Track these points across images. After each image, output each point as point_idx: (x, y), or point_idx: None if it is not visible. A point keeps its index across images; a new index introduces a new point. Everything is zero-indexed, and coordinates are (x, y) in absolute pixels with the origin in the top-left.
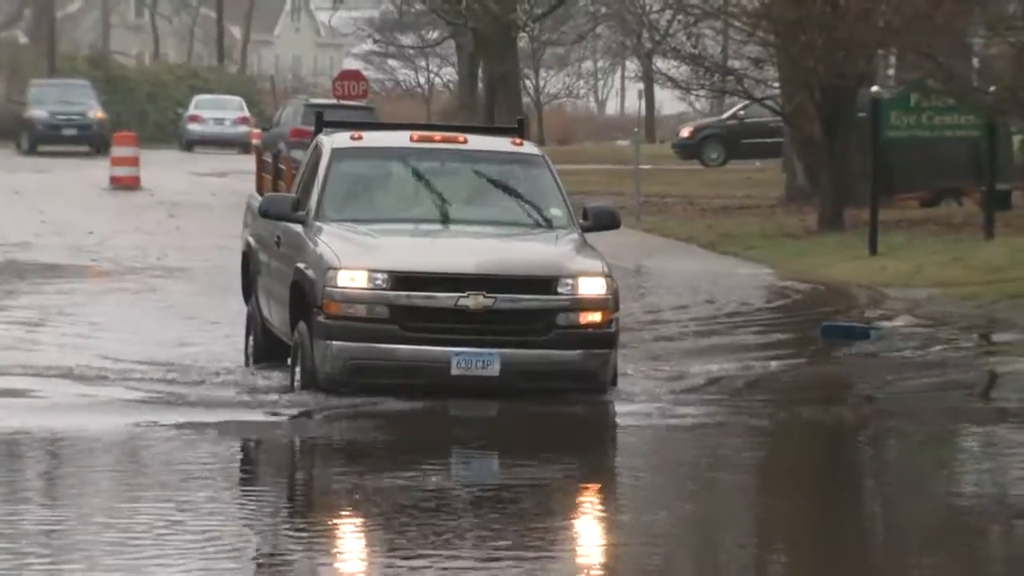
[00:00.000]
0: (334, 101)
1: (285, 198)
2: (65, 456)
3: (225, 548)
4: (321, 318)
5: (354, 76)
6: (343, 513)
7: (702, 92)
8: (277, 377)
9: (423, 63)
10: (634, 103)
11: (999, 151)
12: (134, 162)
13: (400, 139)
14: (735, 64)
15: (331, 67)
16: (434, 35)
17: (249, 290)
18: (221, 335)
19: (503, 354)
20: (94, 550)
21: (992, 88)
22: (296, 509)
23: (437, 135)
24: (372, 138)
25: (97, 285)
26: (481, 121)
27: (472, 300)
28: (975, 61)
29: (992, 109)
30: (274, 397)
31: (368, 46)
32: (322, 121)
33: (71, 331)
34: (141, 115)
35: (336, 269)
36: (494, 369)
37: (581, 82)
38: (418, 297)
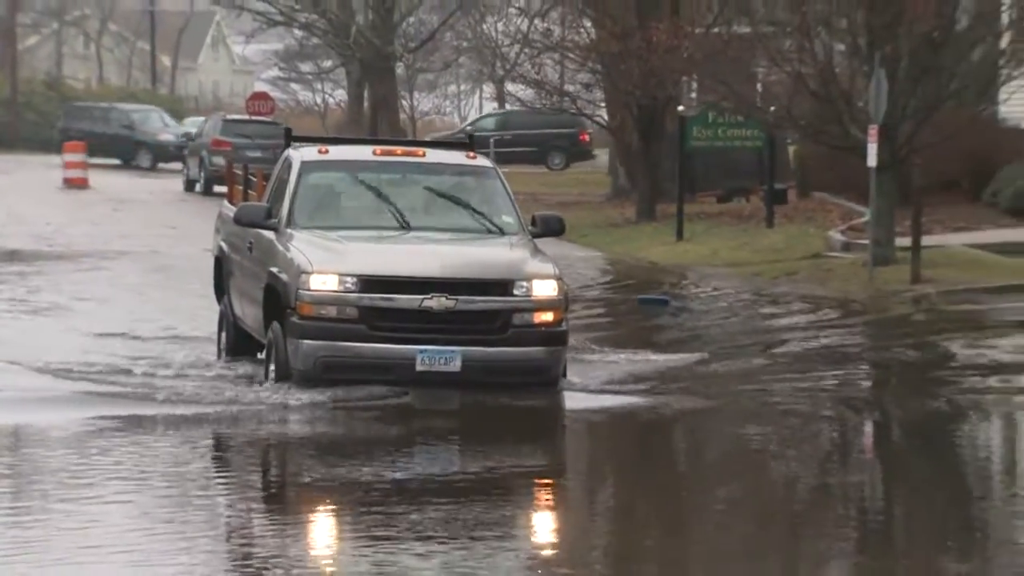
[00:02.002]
0: (247, 117)
1: (258, 207)
2: (46, 450)
3: (196, 537)
4: (294, 318)
5: (263, 97)
6: (314, 501)
7: (544, 110)
8: (249, 370)
9: (319, 86)
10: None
11: (777, 157)
12: (83, 166)
13: (364, 153)
14: (570, 88)
15: (244, 89)
16: (328, 64)
17: (221, 290)
18: (167, 311)
19: (464, 351)
20: (60, 543)
21: (772, 108)
22: (270, 498)
23: (398, 149)
24: (338, 152)
25: (55, 266)
26: (366, 133)
27: (435, 301)
28: (759, 86)
29: (772, 124)
30: (247, 389)
31: (274, 72)
32: (290, 136)
33: (35, 312)
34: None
35: (308, 273)
36: (456, 365)
37: (447, 102)
38: (385, 299)
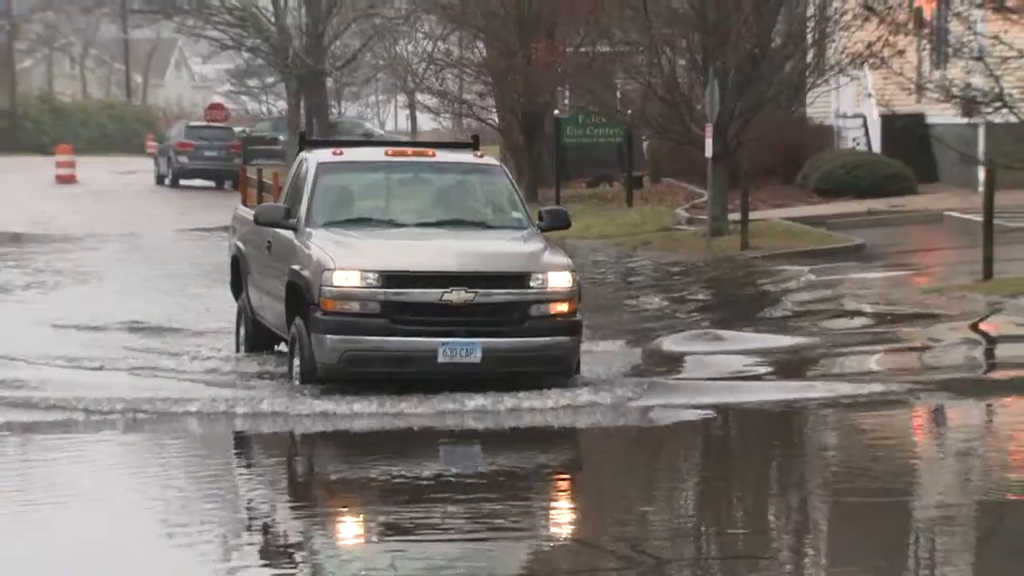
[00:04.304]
0: (205, 123)
1: (277, 207)
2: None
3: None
4: (318, 314)
5: (219, 107)
6: (337, 499)
7: (447, 115)
8: (270, 364)
9: (264, 97)
10: (404, 123)
11: (634, 150)
12: (72, 165)
13: (376, 154)
14: (467, 97)
15: (203, 101)
16: (271, 79)
17: (239, 288)
18: (161, 293)
19: (484, 343)
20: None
21: (629, 111)
22: (295, 494)
23: (409, 150)
24: (352, 153)
25: (54, 246)
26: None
27: (455, 295)
28: (618, 94)
29: (629, 124)
30: (276, 385)
31: (227, 87)
32: (304, 140)
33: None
34: (75, 134)
35: (331, 270)
36: (476, 357)
37: (368, 110)
38: (406, 293)
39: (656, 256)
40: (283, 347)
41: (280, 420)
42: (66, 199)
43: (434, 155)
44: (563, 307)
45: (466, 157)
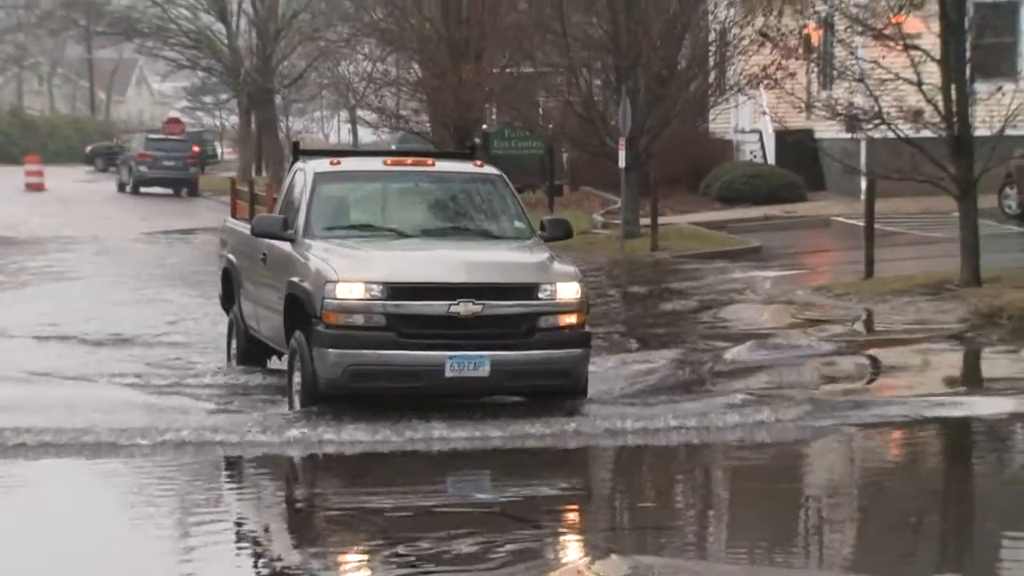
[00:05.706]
0: (163, 135)
1: (275, 218)
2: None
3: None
4: (320, 327)
5: (175, 121)
6: (336, 530)
7: (386, 129)
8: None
9: (218, 113)
10: (347, 136)
11: (555, 161)
12: (40, 174)
13: (375, 164)
14: (404, 112)
15: (162, 115)
16: (224, 96)
17: (230, 300)
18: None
19: (492, 356)
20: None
21: (550, 126)
22: (293, 520)
23: (408, 159)
24: (350, 163)
25: (24, 248)
26: (253, 148)
27: (462, 307)
28: (540, 110)
29: (550, 137)
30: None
31: (184, 103)
32: (299, 151)
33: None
34: (43, 145)
35: (334, 282)
36: (484, 370)
37: (314, 124)
38: (412, 305)
39: (575, 256)
40: (275, 361)
41: (300, 446)
42: (35, 205)
43: (433, 164)
44: (572, 319)
45: (466, 167)
